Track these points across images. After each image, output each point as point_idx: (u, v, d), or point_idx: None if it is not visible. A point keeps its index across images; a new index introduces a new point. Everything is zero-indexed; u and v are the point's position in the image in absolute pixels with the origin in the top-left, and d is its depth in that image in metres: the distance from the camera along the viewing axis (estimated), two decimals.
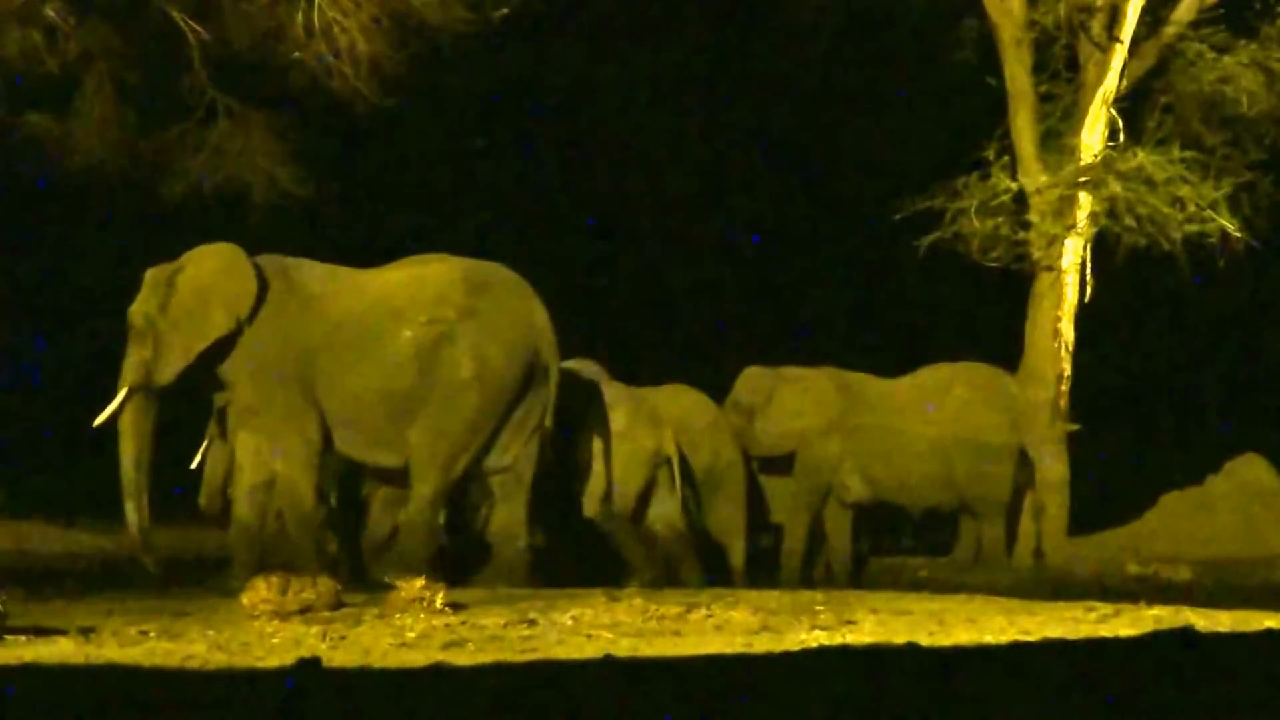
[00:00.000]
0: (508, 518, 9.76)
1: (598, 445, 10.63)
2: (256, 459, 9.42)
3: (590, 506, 10.70)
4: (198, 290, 9.41)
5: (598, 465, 10.63)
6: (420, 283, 9.64)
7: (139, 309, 9.50)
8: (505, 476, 9.73)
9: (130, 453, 9.44)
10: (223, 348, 9.43)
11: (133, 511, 9.47)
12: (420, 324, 9.48)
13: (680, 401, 11.57)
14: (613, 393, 10.89)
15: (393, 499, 9.99)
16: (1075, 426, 12.83)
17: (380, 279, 9.75)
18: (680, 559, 11.02)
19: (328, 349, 9.42)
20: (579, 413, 10.55)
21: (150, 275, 9.62)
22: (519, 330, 9.64)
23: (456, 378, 9.43)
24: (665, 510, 10.95)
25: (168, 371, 9.41)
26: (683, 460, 11.06)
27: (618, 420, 10.71)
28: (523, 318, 9.70)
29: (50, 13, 12.00)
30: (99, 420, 9.44)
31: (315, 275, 9.66)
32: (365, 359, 9.42)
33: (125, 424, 9.43)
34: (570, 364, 10.81)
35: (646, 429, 10.81)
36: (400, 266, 9.86)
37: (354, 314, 9.51)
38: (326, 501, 10.16)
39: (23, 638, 6.98)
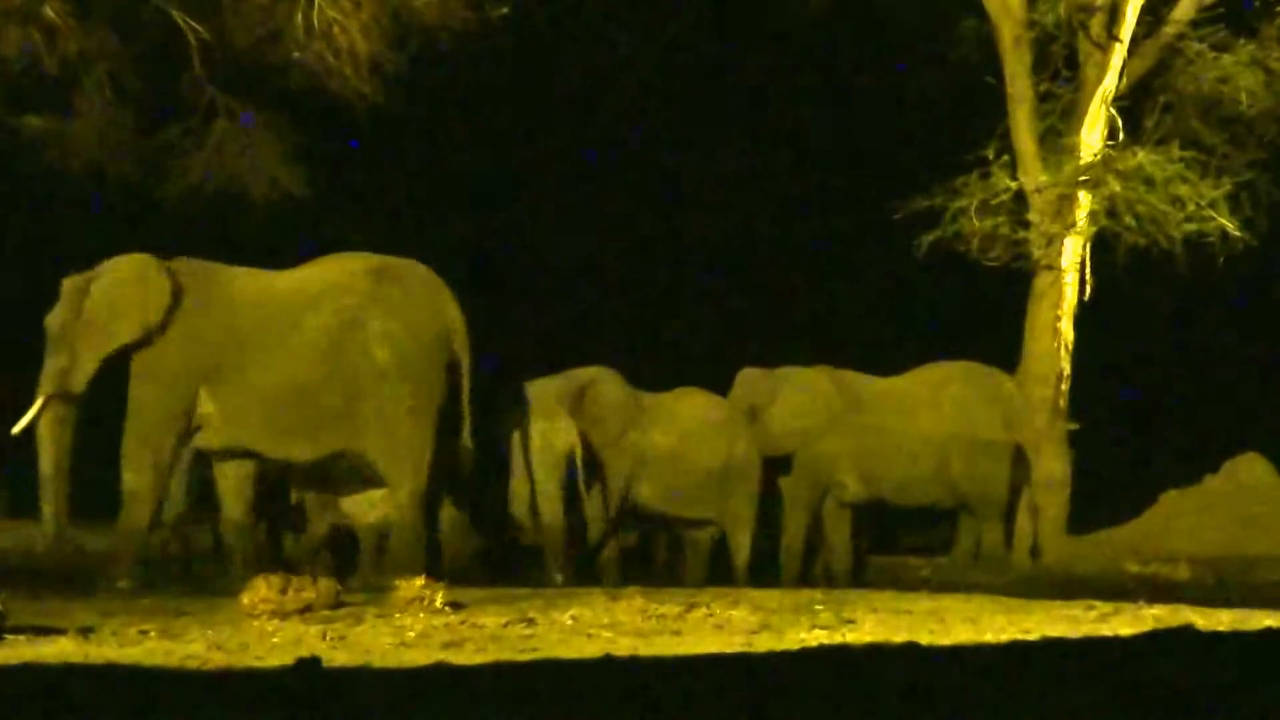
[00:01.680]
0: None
1: (516, 444, 10.75)
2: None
3: (514, 505, 10.82)
4: (109, 299, 9.57)
5: (517, 464, 10.75)
6: (327, 275, 9.72)
7: (55, 318, 9.68)
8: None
9: (49, 458, 9.59)
10: (134, 353, 9.57)
11: (50, 515, 9.65)
12: (326, 313, 9.53)
13: (693, 401, 11.63)
14: (529, 390, 11.00)
15: (325, 499, 10.12)
16: (1075, 425, 12.83)
17: (290, 276, 9.82)
18: (601, 566, 11.10)
19: (235, 346, 9.50)
20: (496, 411, 10.69)
21: (67, 284, 9.77)
22: (431, 320, 9.64)
23: (374, 367, 9.49)
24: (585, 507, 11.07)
25: (81, 378, 9.58)
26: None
27: (532, 419, 10.84)
28: (434, 309, 9.70)
29: (50, 13, 12.00)
30: (16, 429, 9.60)
31: (229, 278, 9.75)
32: (273, 352, 9.48)
33: (43, 430, 9.60)
34: (585, 371, 11.07)
35: (561, 427, 10.90)
36: (313, 264, 9.91)
37: (263, 311, 9.59)
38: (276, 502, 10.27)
39: (23, 637, 6.98)
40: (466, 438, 9.77)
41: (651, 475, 11.45)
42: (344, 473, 9.93)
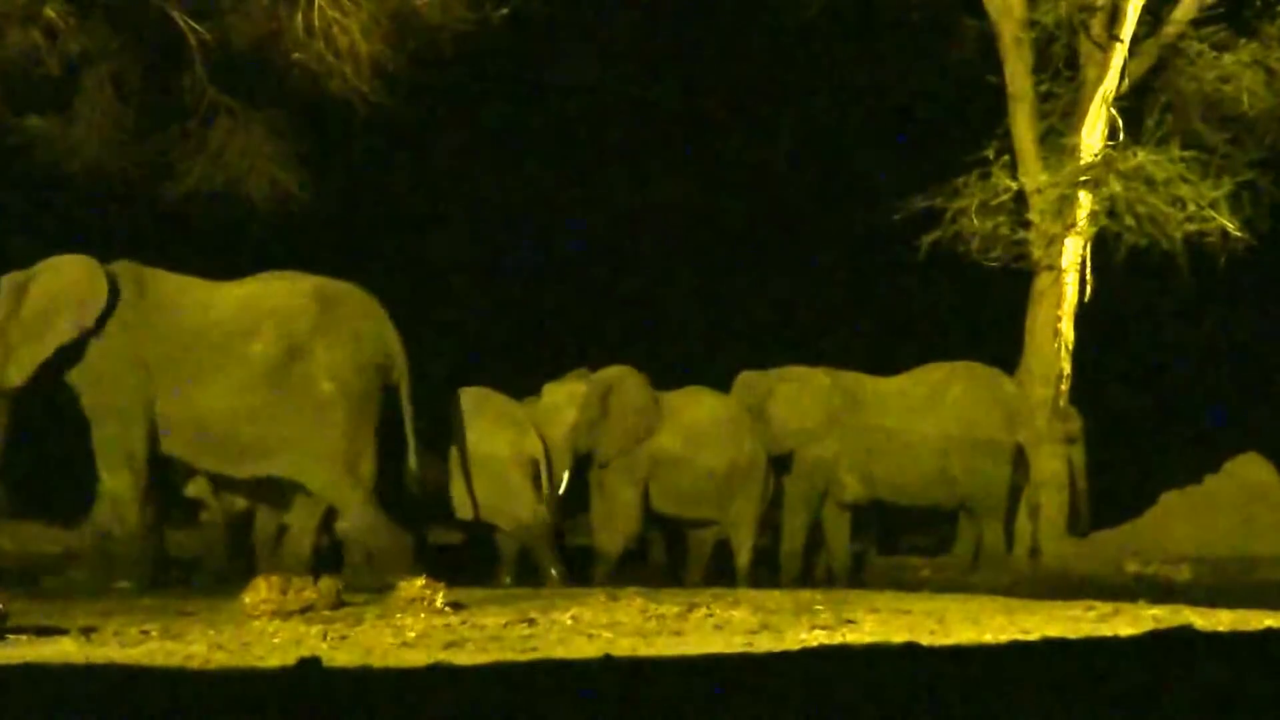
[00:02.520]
0: (300, 526, 10.06)
1: (465, 452, 10.88)
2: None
3: (463, 512, 10.92)
4: (47, 298, 9.65)
5: (467, 472, 10.88)
6: (270, 298, 9.88)
7: None
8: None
9: None
10: (70, 354, 9.64)
11: None
12: (272, 339, 9.71)
13: (700, 401, 11.63)
14: (475, 400, 11.10)
15: (276, 502, 10.24)
16: (1078, 424, 12.83)
17: (230, 294, 9.95)
18: (543, 560, 11.10)
19: (174, 364, 9.65)
20: (445, 422, 10.84)
21: (5, 282, 9.83)
22: (373, 348, 9.93)
23: (317, 396, 9.72)
24: (537, 512, 11.09)
25: (15, 376, 9.63)
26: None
27: (480, 427, 10.95)
28: (376, 337, 9.98)
29: (51, 13, 12.01)
30: None
31: (167, 286, 9.87)
32: (215, 375, 9.65)
33: None
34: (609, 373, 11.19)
35: (509, 434, 11.00)
36: (250, 282, 10.08)
37: (202, 329, 9.74)
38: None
39: (24, 637, 6.99)
40: (412, 460, 10.02)
41: (660, 476, 11.47)
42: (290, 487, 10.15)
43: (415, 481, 10.10)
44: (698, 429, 11.57)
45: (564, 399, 11.43)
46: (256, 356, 9.66)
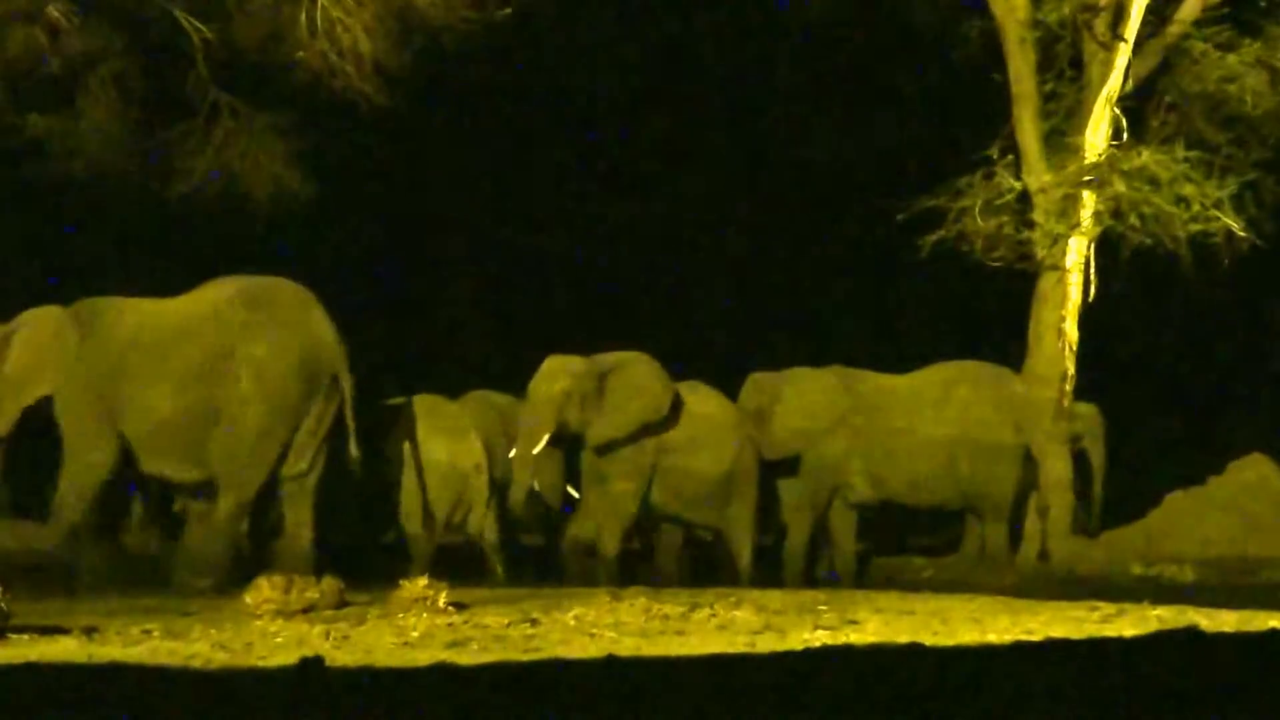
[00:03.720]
0: (294, 521, 10.34)
1: (406, 458, 10.99)
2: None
3: (404, 519, 11.01)
4: (27, 354, 10.38)
5: (407, 479, 10.99)
6: (203, 304, 10.39)
7: None
8: (293, 484, 10.30)
9: None
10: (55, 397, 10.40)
11: None
12: (199, 344, 10.23)
13: (701, 402, 11.54)
14: (419, 405, 11.17)
15: (204, 510, 10.57)
16: (1099, 424, 12.84)
17: (171, 305, 10.52)
18: (491, 567, 11.16)
19: (127, 378, 10.25)
20: (385, 426, 10.96)
21: None
22: (298, 343, 10.24)
23: (237, 393, 10.14)
24: (476, 519, 11.16)
25: (2, 423, 10.39)
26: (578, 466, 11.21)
27: (421, 433, 11.05)
28: (302, 330, 10.27)
29: (54, 13, 12.01)
30: None
31: (119, 311, 10.47)
32: (158, 382, 10.23)
33: None
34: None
35: (448, 441, 11.08)
36: (193, 292, 10.57)
37: (147, 342, 10.32)
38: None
39: (26, 636, 6.99)
40: (353, 446, 10.23)
41: (664, 474, 11.32)
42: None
43: (358, 466, 10.27)
44: (704, 427, 11.38)
45: (559, 368, 11.05)
46: (190, 361, 10.20)
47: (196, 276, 10.69)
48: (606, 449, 11.14)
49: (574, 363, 11.14)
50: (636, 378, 11.17)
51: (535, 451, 10.96)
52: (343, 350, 10.33)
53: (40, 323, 10.45)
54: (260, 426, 10.11)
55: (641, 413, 11.11)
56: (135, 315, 10.43)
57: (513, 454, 11.04)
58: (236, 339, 10.17)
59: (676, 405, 11.36)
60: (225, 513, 10.24)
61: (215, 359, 10.15)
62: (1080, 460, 12.97)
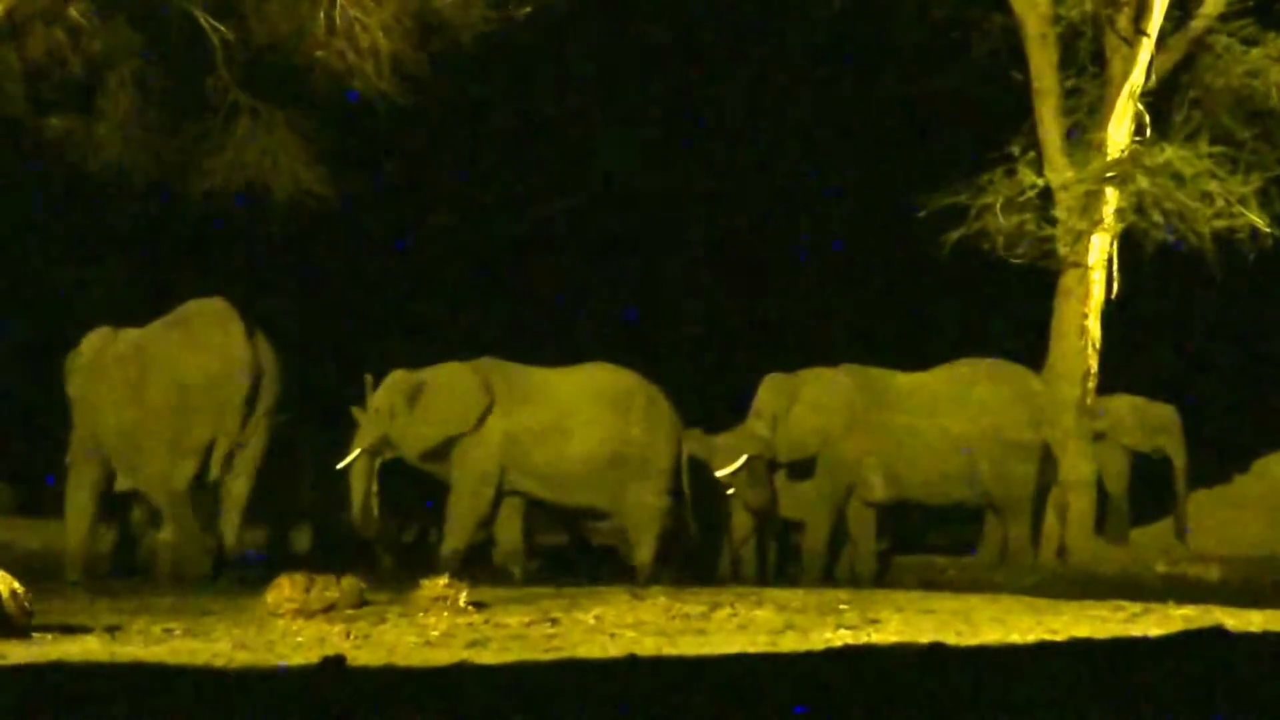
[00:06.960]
0: (225, 522, 11.01)
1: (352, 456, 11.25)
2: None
3: (353, 516, 11.23)
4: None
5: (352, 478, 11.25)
6: (148, 329, 11.18)
7: None
8: (223, 488, 10.97)
9: None
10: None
11: None
12: (133, 365, 11.02)
13: (584, 377, 11.30)
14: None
15: (151, 513, 11.31)
16: (1177, 423, 12.86)
17: (129, 333, 11.28)
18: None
19: (99, 404, 11.11)
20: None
21: None
22: (212, 356, 10.88)
23: (151, 409, 10.88)
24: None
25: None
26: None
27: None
28: (217, 344, 10.90)
29: (74, 13, 12.06)
30: None
31: (97, 340, 11.32)
32: (106, 403, 11.10)
33: None
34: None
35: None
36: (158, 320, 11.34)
37: (107, 366, 11.17)
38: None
39: (50, 635, 7.00)
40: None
41: (520, 466, 11.05)
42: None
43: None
44: (579, 408, 11.02)
45: (387, 381, 11.26)
46: (120, 381, 10.99)
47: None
48: (428, 459, 11.24)
49: (394, 375, 11.34)
50: (444, 391, 11.14)
51: (348, 462, 11.36)
52: (266, 362, 10.89)
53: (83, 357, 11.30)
54: (172, 437, 10.78)
55: (444, 426, 11.12)
56: (100, 342, 11.26)
57: (340, 465, 11.43)
58: (154, 355, 10.94)
59: (532, 395, 11.14)
60: (168, 517, 10.84)
61: (139, 375, 10.90)
62: (1162, 463, 13.03)
